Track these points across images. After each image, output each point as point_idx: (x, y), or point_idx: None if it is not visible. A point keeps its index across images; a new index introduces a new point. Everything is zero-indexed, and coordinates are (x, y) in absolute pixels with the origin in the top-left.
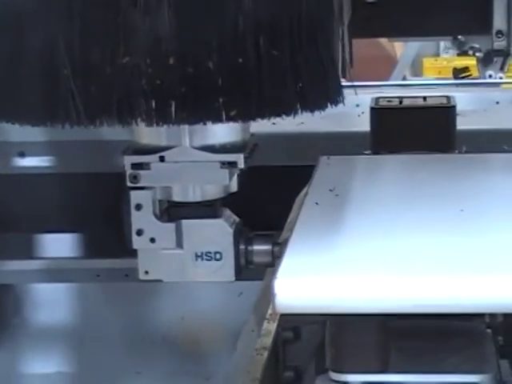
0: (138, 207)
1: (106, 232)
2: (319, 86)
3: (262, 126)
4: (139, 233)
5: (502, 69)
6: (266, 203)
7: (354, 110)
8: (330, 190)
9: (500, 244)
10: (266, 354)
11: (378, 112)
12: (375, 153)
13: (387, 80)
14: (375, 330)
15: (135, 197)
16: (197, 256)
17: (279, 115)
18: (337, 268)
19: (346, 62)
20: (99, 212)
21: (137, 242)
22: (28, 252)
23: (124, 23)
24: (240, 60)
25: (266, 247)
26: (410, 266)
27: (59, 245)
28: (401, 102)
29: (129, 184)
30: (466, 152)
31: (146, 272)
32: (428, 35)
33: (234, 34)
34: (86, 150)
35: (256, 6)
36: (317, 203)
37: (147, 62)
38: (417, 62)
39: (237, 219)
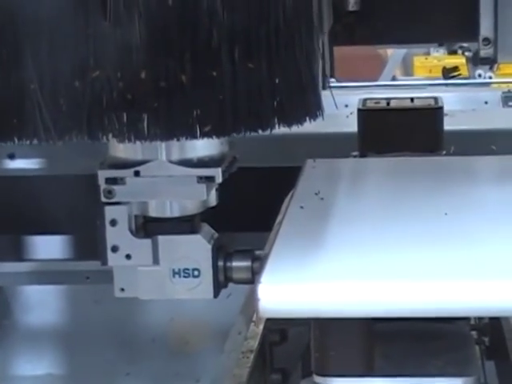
0: (113, 223)
1: (96, 234)
2: (298, 99)
3: None
4: (114, 249)
5: (491, 68)
6: (254, 204)
7: (342, 110)
8: (316, 194)
9: (483, 248)
10: (252, 356)
11: (366, 113)
12: (363, 154)
13: (377, 79)
14: (359, 334)
15: (110, 212)
16: (174, 273)
17: (256, 130)
18: (320, 273)
19: (327, 73)
20: (89, 214)
21: (112, 259)
22: (17, 254)
23: (93, 35)
24: (214, 73)
25: (246, 263)
26: (393, 271)
27: (49, 247)
28: (388, 104)
29: (103, 199)
30: (454, 153)
31: (122, 289)
32: (413, 42)
33: (207, 46)
34: (76, 152)
35: (231, 16)
36: (301, 207)
37: (118, 76)
38: (407, 60)
39: (215, 234)
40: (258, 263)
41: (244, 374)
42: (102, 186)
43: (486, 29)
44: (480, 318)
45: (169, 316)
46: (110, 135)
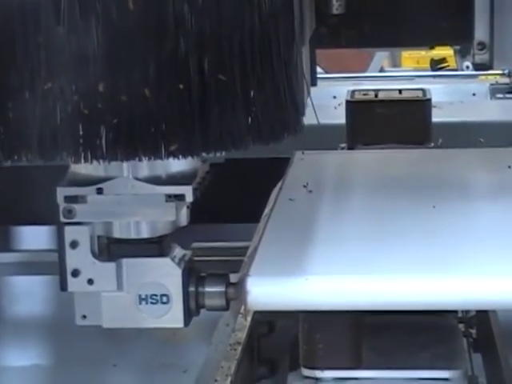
0: (74, 245)
1: None
2: (275, 115)
3: None
4: (75, 273)
5: None
6: (241, 196)
7: (330, 101)
8: (304, 186)
9: (471, 241)
10: (239, 348)
11: (354, 105)
12: (351, 146)
13: (365, 70)
14: (347, 327)
15: (70, 233)
16: (141, 299)
17: (228, 149)
18: (309, 266)
19: (308, 85)
20: None
21: (72, 284)
22: (5, 244)
23: (45, 42)
24: (181, 86)
25: (219, 289)
26: (381, 264)
27: (37, 237)
28: (376, 95)
29: (62, 219)
30: (442, 145)
31: (84, 316)
32: (402, 46)
33: (173, 56)
34: None
35: (200, 23)
36: (290, 199)
37: (73, 89)
38: (395, 51)
39: (187, 256)
40: (233, 288)
41: (232, 366)
42: (62, 204)
43: (481, 32)
44: (467, 311)
45: None
46: (64, 155)
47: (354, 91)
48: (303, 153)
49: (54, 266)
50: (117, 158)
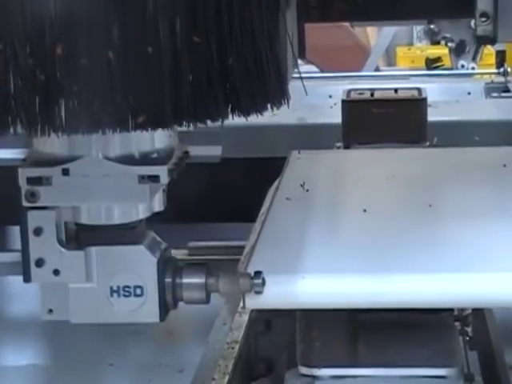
0: (38, 232)
1: None
2: (256, 84)
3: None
4: (39, 263)
5: (474, 59)
6: (237, 195)
7: (326, 101)
8: (301, 185)
9: (467, 240)
10: (237, 347)
11: (350, 104)
12: (347, 145)
13: (361, 70)
14: (344, 325)
15: (34, 219)
16: (112, 291)
17: (202, 121)
18: (306, 265)
19: (295, 55)
20: None
21: (36, 275)
22: (1, 244)
23: None
24: (149, 49)
25: (198, 280)
26: (378, 263)
27: None
28: (372, 95)
29: (25, 203)
30: (438, 144)
31: (50, 311)
32: (398, 19)
33: (141, 16)
34: None
35: None
36: (287, 198)
37: (27, 51)
38: (390, 50)
39: (163, 245)
40: (213, 279)
41: (229, 364)
42: (24, 187)
43: (483, 2)
44: (463, 309)
45: None
46: (18, 126)
47: (349, 90)
48: (299, 152)
49: None
50: (78, 131)
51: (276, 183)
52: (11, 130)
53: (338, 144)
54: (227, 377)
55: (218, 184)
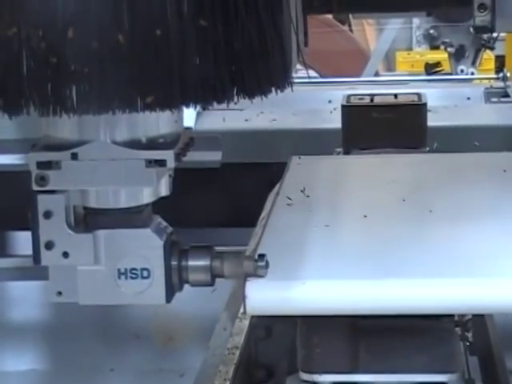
0: (48, 215)
1: None
2: (261, 66)
3: (233, 123)
4: (49, 246)
5: (473, 63)
6: (237, 200)
7: (326, 106)
8: (301, 191)
9: (467, 245)
10: (237, 353)
11: (350, 110)
12: (346, 150)
13: (360, 74)
14: (345, 331)
15: (44, 202)
16: (120, 273)
17: (209, 102)
18: (307, 271)
19: (300, 42)
20: None
21: (46, 258)
22: (1, 250)
23: None
24: (158, 32)
25: (204, 262)
26: (379, 269)
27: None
28: (372, 100)
29: (35, 187)
30: (438, 149)
31: (59, 293)
32: (397, 10)
33: (150, 0)
34: None
35: None
36: (288, 204)
37: (39, 34)
38: (390, 55)
39: (169, 229)
40: (218, 261)
41: (229, 370)
42: (34, 171)
43: None
44: (463, 315)
45: (152, 311)
46: (32, 107)
47: (349, 96)
48: (300, 157)
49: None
50: (88, 112)
51: (276, 188)
52: (24, 112)
53: (338, 149)
54: (228, 382)
55: (219, 189)
